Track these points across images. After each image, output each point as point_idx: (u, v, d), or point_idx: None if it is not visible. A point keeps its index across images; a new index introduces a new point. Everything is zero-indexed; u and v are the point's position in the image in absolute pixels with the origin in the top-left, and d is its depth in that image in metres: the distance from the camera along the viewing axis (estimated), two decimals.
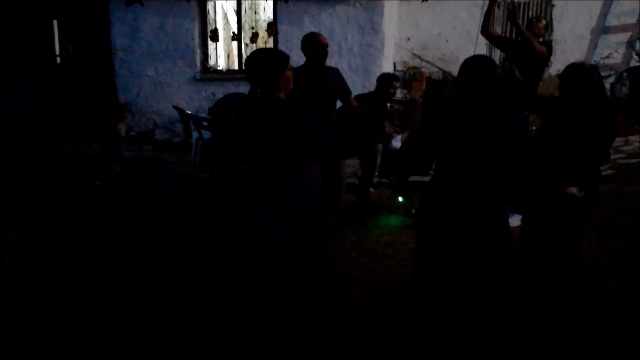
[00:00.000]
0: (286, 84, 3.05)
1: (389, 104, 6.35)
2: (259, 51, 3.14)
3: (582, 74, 3.55)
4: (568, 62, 4.52)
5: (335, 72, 5.30)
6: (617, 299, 3.94)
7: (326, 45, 5.08)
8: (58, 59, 11.41)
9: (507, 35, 10.59)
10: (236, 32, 10.40)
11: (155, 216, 6.08)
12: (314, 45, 5.05)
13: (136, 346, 3.43)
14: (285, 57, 3.09)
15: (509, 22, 10.80)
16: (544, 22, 5.85)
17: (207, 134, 8.23)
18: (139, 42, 10.17)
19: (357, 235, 5.35)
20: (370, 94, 6.42)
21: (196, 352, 3.34)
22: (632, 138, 8.61)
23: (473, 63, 3.07)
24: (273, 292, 2.98)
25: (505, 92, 3.09)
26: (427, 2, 10.57)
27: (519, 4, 10.77)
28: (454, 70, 10.92)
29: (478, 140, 2.92)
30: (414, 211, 4.14)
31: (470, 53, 11.30)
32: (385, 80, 6.22)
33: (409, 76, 10.88)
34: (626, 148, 8.13)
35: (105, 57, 10.53)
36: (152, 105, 10.29)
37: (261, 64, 3.02)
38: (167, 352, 3.39)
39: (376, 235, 5.37)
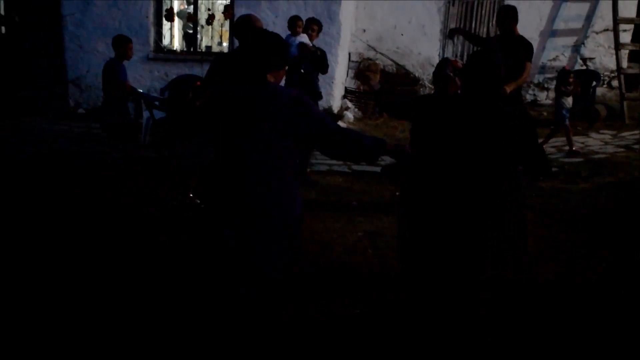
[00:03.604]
0: (281, 76, 2.95)
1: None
2: (271, 35, 2.94)
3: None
4: None
5: None
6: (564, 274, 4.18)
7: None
8: (3, 29, 10.99)
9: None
10: (192, 13, 10.25)
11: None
12: (247, 28, 4.58)
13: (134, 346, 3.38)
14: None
15: (464, 19, 11.04)
16: (502, 12, 6.13)
17: (158, 114, 8.10)
18: (91, 16, 9.90)
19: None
20: None
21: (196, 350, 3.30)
22: (574, 138, 8.93)
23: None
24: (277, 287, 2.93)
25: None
26: None
27: (472, 1, 11.00)
28: (408, 63, 11.11)
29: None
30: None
31: (425, 47, 11.56)
32: None
33: (363, 67, 10.98)
34: (567, 148, 8.43)
35: (54, 30, 10.21)
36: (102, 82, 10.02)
37: (278, 50, 2.88)
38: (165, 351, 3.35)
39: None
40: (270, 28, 9.50)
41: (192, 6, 10.41)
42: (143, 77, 10.02)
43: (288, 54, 2.97)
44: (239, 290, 2.85)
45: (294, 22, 7.12)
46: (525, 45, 6.06)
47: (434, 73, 3.99)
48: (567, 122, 8.20)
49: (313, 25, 7.16)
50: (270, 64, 2.84)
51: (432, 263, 3.12)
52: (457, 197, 3.01)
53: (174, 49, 10.55)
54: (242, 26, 4.66)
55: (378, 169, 7.45)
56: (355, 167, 7.57)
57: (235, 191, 2.80)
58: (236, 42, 9.91)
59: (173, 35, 10.61)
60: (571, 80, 8.26)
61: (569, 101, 8.23)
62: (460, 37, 11.15)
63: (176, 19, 10.25)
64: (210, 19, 10.23)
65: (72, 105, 10.15)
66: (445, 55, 11.18)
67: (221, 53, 4.36)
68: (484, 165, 2.98)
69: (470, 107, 3.02)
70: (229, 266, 2.85)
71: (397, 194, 6.28)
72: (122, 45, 6.80)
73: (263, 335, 2.89)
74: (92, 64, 10.02)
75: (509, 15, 6.06)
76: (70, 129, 9.10)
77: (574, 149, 8.23)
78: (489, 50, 3.34)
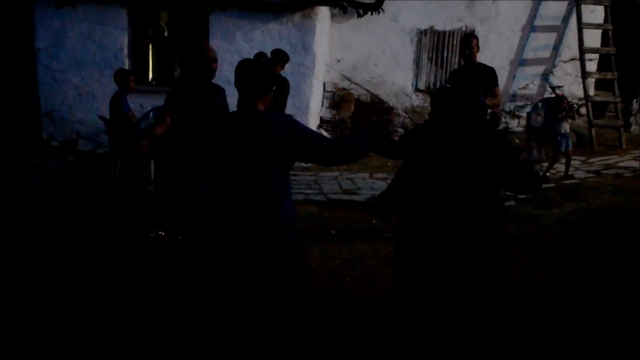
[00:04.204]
0: (268, 102, 3.07)
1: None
2: (253, 64, 3.09)
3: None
4: None
5: (222, 91, 4.91)
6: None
7: (214, 60, 4.74)
8: None
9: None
10: (168, 45, 10.32)
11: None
12: (199, 55, 4.69)
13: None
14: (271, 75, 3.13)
15: (436, 49, 11.27)
16: (474, 40, 6.23)
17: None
18: (65, 49, 9.88)
19: None
20: None
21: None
22: (545, 165, 9.09)
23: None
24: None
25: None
26: (358, 25, 10.96)
27: (444, 32, 11.24)
28: (382, 92, 11.27)
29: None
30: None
31: (399, 77, 11.74)
32: None
33: (338, 97, 11.10)
34: (540, 174, 8.58)
35: (27, 63, 10.17)
36: (76, 114, 9.99)
37: (258, 78, 3.01)
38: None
39: None
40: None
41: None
42: None
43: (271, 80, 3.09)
44: (239, 291, 2.90)
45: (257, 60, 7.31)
46: (488, 71, 6.21)
47: (431, 100, 4.07)
48: (563, 149, 8.39)
49: (276, 59, 7.46)
50: (258, 93, 2.97)
51: (434, 269, 3.19)
52: (458, 203, 3.13)
53: (149, 80, 10.56)
54: (196, 53, 4.77)
55: (354, 197, 7.52)
56: (331, 195, 7.62)
57: (234, 192, 2.89)
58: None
59: (148, 66, 10.63)
60: (565, 105, 8.46)
61: (564, 127, 8.40)
62: (433, 67, 11.38)
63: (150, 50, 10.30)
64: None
65: (45, 138, 10.07)
66: (418, 85, 11.38)
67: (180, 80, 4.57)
68: (481, 180, 3.14)
69: (462, 132, 3.18)
70: (228, 266, 2.91)
71: (374, 221, 6.35)
72: (122, 78, 7.32)
73: (263, 336, 2.93)
74: (65, 96, 9.98)
75: (475, 43, 6.24)
76: (42, 161, 9.02)
77: (547, 174, 8.39)
78: (467, 77, 3.46)
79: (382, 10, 10.54)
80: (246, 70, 3.00)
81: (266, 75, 3.08)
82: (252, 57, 8.66)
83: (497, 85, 6.29)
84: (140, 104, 9.92)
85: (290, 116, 3.08)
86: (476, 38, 6.26)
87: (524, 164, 3.29)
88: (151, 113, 7.90)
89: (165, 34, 10.70)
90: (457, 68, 8.30)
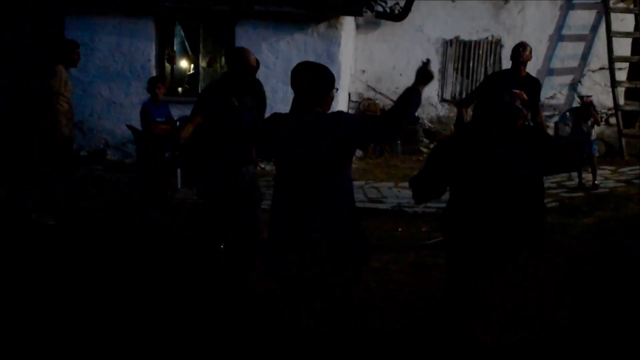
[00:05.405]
0: (330, 102, 3.11)
1: None
2: (313, 65, 3.15)
3: None
4: None
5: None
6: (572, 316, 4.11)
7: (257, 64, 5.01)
8: None
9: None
10: (193, 55, 10.44)
11: None
12: (240, 59, 4.75)
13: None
14: (333, 77, 3.12)
15: (462, 59, 11.22)
16: (528, 48, 6.12)
17: None
18: (94, 61, 10.05)
19: None
20: None
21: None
22: (574, 174, 8.95)
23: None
24: None
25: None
26: (383, 36, 10.96)
27: (470, 42, 11.19)
28: None
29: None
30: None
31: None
32: None
33: (363, 107, 11.10)
34: (569, 183, 8.45)
35: None
36: (104, 125, 10.14)
37: (317, 80, 3.05)
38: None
39: None
40: (271, 69, 9.65)
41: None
42: None
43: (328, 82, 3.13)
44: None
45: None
46: (534, 85, 6.09)
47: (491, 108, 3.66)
48: (585, 155, 8.07)
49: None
50: (317, 98, 3.03)
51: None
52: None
53: (177, 91, 10.68)
54: (236, 56, 4.82)
55: (380, 206, 7.48)
56: (357, 204, 7.56)
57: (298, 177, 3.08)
58: None
59: (174, 77, 10.75)
60: (590, 111, 8.26)
61: (586, 133, 8.19)
62: (458, 77, 11.33)
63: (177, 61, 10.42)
64: (211, 62, 10.42)
65: (74, 148, 10.21)
66: (444, 95, 11.34)
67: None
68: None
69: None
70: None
71: (399, 229, 6.29)
72: (150, 86, 7.74)
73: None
74: (94, 107, 10.14)
75: (530, 50, 6.16)
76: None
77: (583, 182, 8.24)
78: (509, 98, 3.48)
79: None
80: (299, 72, 3.09)
81: (321, 76, 3.09)
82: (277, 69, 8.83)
83: (539, 99, 6.23)
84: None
85: (341, 112, 3.18)
86: (529, 46, 6.20)
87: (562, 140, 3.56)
88: (177, 122, 7.97)
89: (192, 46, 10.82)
90: (499, 74, 7.77)
